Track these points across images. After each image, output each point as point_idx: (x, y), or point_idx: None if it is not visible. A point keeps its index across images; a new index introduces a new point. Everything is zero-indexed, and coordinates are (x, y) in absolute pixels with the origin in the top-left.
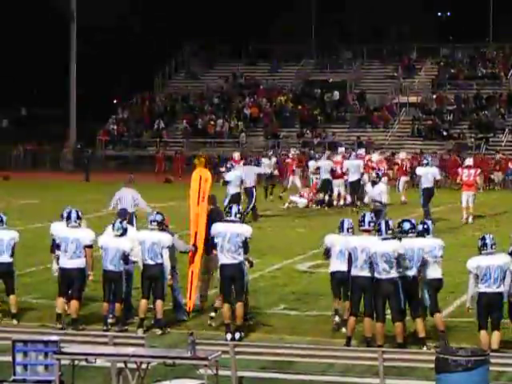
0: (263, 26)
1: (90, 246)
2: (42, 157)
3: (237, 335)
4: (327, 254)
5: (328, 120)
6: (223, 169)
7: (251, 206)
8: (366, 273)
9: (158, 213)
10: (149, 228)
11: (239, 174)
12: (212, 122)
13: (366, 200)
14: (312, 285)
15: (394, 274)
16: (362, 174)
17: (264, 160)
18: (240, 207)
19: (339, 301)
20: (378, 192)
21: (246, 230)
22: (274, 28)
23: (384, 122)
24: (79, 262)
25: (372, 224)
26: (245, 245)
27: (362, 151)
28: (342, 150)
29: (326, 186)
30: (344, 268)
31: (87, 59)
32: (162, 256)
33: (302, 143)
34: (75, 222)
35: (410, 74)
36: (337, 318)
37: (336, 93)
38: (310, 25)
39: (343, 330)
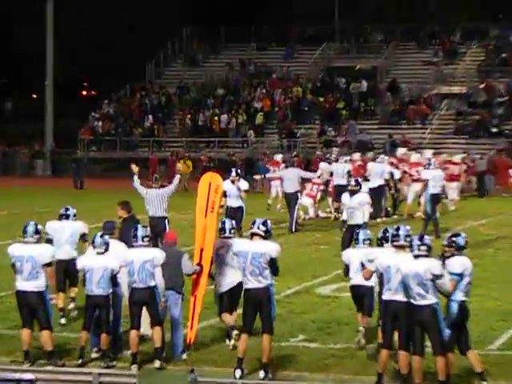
0: (276, 4)
1: (49, 264)
2: (12, 160)
3: (261, 374)
4: (347, 272)
5: (354, 115)
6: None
7: (294, 216)
8: (400, 297)
9: (144, 226)
10: (137, 245)
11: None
12: (216, 118)
13: (344, 216)
14: (335, 312)
15: (431, 299)
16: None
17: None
18: (233, 222)
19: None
20: (357, 202)
21: (270, 248)
22: (291, 6)
23: (421, 116)
24: (37, 284)
25: (409, 239)
26: (272, 266)
27: (402, 151)
28: (370, 154)
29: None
30: (360, 282)
31: (69, 44)
32: (154, 277)
33: (323, 142)
34: (32, 237)
35: (452, 60)
36: (361, 339)
37: (364, 82)
38: (332, 3)
39: (366, 347)
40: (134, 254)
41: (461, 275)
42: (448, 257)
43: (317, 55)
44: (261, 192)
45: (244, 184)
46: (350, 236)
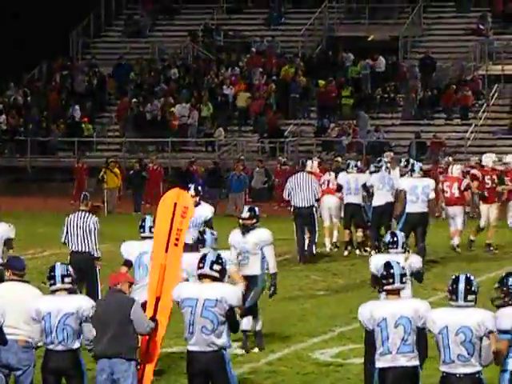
0: None
1: None
2: None
3: None
4: (375, 282)
5: (367, 105)
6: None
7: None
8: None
9: (64, 263)
10: (53, 289)
11: None
12: (172, 110)
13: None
14: None
15: (475, 366)
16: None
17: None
18: (221, 254)
19: None
20: None
21: (230, 292)
22: None
23: (462, 108)
24: None
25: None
26: (230, 318)
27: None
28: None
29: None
30: None
31: None
32: (78, 337)
33: (322, 144)
34: None
35: (506, 27)
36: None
37: (381, 59)
38: None
39: None
40: (48, 304)
41: None
42: (498, 306)
43: (313, 20)
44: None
45: (206, 210)
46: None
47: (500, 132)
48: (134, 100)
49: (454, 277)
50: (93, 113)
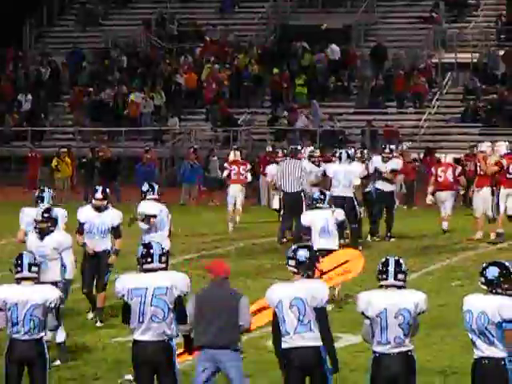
0: None
1: None
2: None
3: None
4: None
5: (320, 94)
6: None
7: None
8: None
9: (30, 251)
10: (19, 276)
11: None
12: (132, 99)
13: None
14: None
15: (408, 346)
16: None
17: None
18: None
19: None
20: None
21: (180, 279)
22: None
23: (415, 96)
24: None
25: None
26: (179, 305)
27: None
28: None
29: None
30: None
31: None
32: (44, 326)
33: (275, 133)
34: None
35: (459, 16)
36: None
37: (334, 48)
38: None
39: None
40: (17, 294)
41: None
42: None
43: (267, 8)
44: (184, 204)
45: (114, 216)
46: None
47: (453, 120)
48: (91, 89)
49: (383, 259)
50: (46, 102)
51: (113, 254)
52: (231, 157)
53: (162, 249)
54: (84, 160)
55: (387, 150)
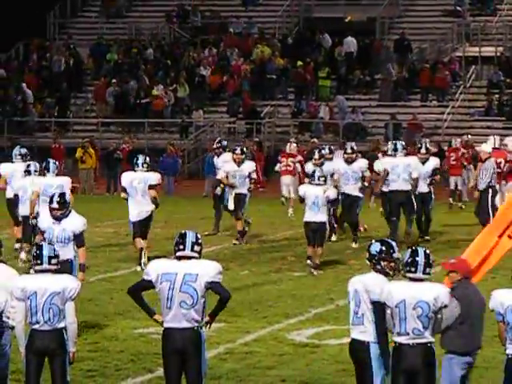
0: None
1: None
2: None
3: None
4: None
5: (343, 87)
6: None
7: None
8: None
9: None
10: (38, 269)
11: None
12: (155, 92)
13: None
14: (315, 366)
15: (428, 338)
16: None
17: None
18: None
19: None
20: None
21: (212, 267)
22: None
23: (439, 89)
24: None
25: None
26: (217, 288)
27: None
28: None
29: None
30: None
31: None
32: (64, 316)
33: (298, 125)
34: None
35: (484, 9)
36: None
37: (349, 40)
38: None
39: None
40: (35, 283)
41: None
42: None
43: (291, 0)
44: (207, 196)
45: (77, 223)
46: None
47: (477, 114)
48: (114, 81)
49: (411, 249)
50: (69, 94)
51: (80, 270)
52: (287, 149)
53: (197, 238)
54: (110, 150)
55: (423, 151)
